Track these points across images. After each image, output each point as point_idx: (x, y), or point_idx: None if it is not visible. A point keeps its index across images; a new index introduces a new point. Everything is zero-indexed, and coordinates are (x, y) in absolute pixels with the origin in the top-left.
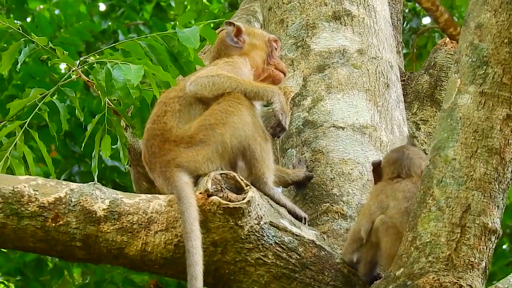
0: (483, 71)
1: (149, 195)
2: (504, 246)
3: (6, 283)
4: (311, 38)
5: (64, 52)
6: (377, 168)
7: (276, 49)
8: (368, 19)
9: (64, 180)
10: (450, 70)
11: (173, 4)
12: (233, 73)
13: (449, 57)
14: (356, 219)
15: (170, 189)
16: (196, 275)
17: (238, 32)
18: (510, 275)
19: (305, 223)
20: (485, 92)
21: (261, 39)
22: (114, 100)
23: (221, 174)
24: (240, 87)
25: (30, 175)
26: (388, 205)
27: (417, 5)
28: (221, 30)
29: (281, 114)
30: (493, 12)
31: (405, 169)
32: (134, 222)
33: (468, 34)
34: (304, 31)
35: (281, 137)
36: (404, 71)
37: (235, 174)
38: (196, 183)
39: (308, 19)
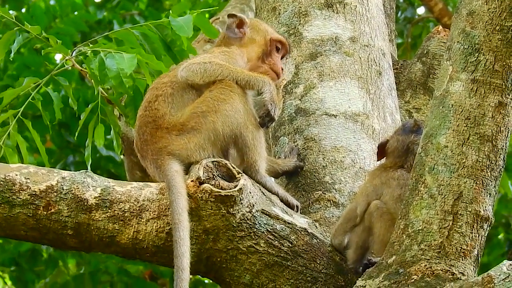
0: (475, 58)
1: (140, 183)
2: (500, 236)
3: (1, 273)
4: (303, 26)
5: (58, 41)
6: (382, 148)
7: (278, 49)
8: (360, 6)
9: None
10: (443, 58)
11: None
12: (227, 62)
13: (442, 45)
14: (352, 200)
15: (161, 177)
16: (183, 266)
17: (241, 23)
18: (502, 263)
19: (297, 211)
20: (477, 79)
21: (262, 36)
22: (108, 89)
23: (213, 161)
24: (232, 75)
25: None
26: (382, 192)
27: None
28: (215, 20)
29: (271, 104)
30: None
31: (408, 163)
32: (126, 210)
33: (460, 21)
34: (296, 19)
35: (269, 127)
36: (398, 59)
37: (227, 162)
38: (187, 171)
39: (300, 7)
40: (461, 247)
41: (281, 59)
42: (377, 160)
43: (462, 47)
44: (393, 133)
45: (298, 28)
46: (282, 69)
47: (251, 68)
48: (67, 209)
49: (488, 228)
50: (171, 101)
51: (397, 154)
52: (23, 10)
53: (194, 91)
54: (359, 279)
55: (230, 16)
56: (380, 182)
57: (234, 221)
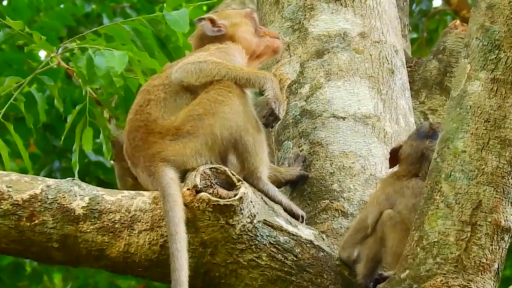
0: (495, 56)
1: (132, 192)
2: None
3: None
4: (309, 21)
5: (42, 37)
6: (395, 154)
7: (256, 20)
8: None
9: (44, 177)
10: (460, 55)
11: None
12: (225, 59)
13: (459, 41)
14: (362, 210)
15: (155, 185)
16: (181, 281)
17: (213, 22)
18: None
19: (302, 222)
20: (497, 78)
21: (238, 16)
22: (97, 89)
23: (210, 168)
24: (230, 74)
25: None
26: (395, 201)
27: None
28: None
29: (274, 102)
30: None
31: (423, 170)
32: (116, 221)
33: (478, 16)
34: (301, 13)
35: (274, 126)
36: (412, 56)
37: (226, 169)
38: (183, 178)
39: (305, 0)
40: (480, 261)
41: None
42: (390, 168)
43: (481, 43)
44: (406, 138)
45: (303, 23)
46: None
47: (253, 49)
48: (52, 220)
49: (509, 240)
50: (164, 105)
51: (410, 161)
52: (4, 2)
53: (189, 94)
54: None
55: (198, 21)
56: (393, 191)
57: (234, 233)
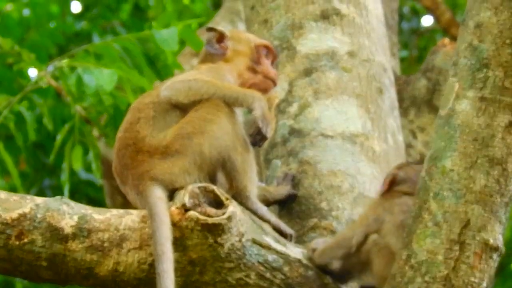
0: (483, 75)
1: (121, 210)
2: None
3: None
4: (297, 39)
5: (31, 55)
6: (393, 179)
7: (266, 55)
8: (359, 18)
9: (34, 195)
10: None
11: (151, 3)
12: (215, 79)
13: (448, 59)
14: (350, 225)
15: (143, 204)
16: None
17: (221, 37)
18: None
19: (291, 240)
20: (486, 97)
21: (246, 45)
22: (86, 107)
23: (199, 187)
24: (219, 92)
25: None
26: (384, 219)
27: (416, 3)
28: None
29: (262, 121)
30: (494, 10)
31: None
32: (105, 240)
33: (466, 34)
34: (290, 32)
35: (261, 146)
36: (402, 74)
37: (215, 187)
38: (171, 197)
39: (294, 19)
40: (468, 279)
41: (271, 65)
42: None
43: (469, 62)
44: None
45: (291, 42)
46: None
47: (244, 81)
48: (41, 238)
49: (497, 259)
50: (153, 123)
51: (408, 182)
52: None
53: (178, 112)
54: None
55: (209, 30)
56: (382, 209)
57: (222, 252)
